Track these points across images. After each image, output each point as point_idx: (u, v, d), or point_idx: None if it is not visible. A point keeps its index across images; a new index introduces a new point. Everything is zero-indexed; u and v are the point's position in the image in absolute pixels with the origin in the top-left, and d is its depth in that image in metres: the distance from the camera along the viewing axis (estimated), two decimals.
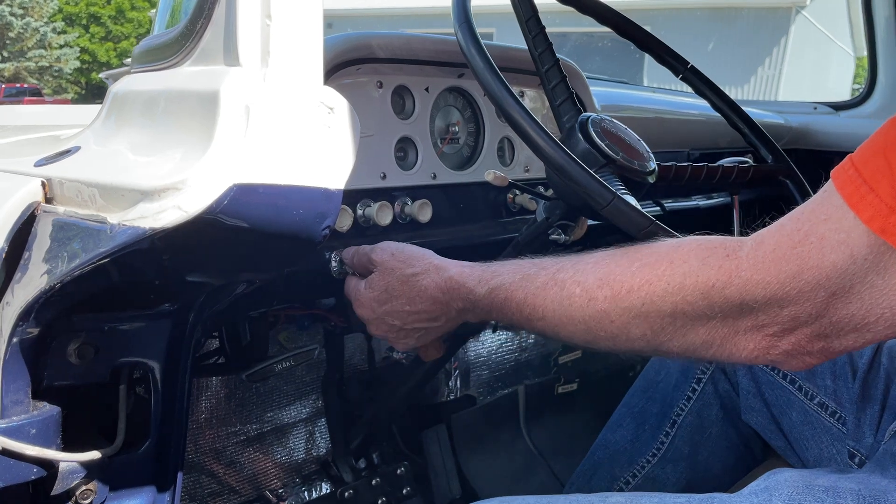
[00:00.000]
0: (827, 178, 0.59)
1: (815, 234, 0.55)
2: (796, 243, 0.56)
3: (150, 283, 0.73)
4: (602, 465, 1.20)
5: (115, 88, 0.78)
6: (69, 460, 0.71)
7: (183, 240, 0.61)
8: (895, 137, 0.52)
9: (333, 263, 0.92)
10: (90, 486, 0.73)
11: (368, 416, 1.36)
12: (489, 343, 1.62)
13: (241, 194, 0.59)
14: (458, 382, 1.57)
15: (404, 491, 1.37)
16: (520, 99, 0.83)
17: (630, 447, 1.17)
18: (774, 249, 0.58)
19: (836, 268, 0.54)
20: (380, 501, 1.34)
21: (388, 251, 0.85)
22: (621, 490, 1.16)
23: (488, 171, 0.95)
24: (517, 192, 1.19)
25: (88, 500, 0.73)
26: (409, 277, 0.82)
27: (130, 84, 0.76)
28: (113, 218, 0.61)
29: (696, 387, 1.12)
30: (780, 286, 0.57)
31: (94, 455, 0.73)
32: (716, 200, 1.66)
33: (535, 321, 0.73)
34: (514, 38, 1.14)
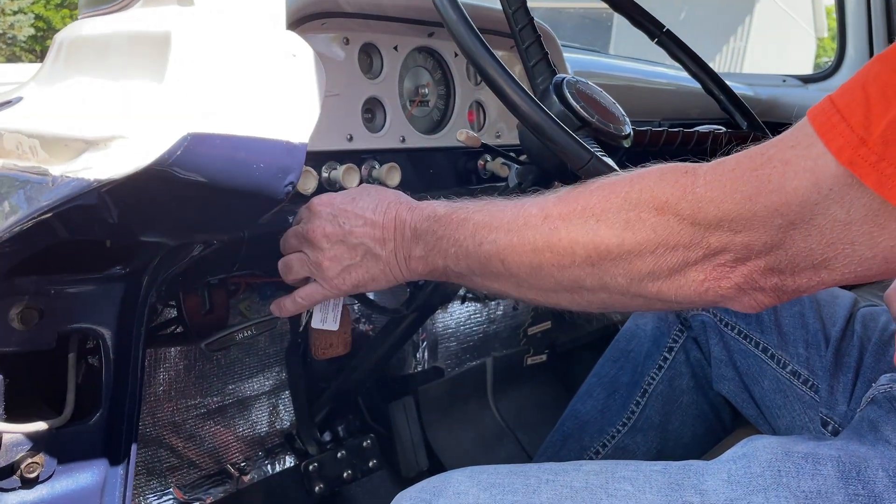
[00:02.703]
0: None
1: (779, 159, 0.53)
2: (758, 165, 0.53)
3: (99, 243, 0.68)
4: (571, 436, 1.18)
5: (60, 36, 0.73)
6: (13, 431, 0.67)
7: (133, 194, 0.56)
8: (878, 72, 0.50)
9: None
10: (36, 458, 0.69)
11: (334, 389, 1.33)
12: (458, 314, 1.60)
13: (196, 145, 0.54)
14: (426, 354, 1.55)
15: (370, 464, 1.35)
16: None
17: (600, 417, 1.15)
18: (734, 169, 0.55)
19: (798, 195, 0.51)
20: (345, 474, 1.31)
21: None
22: (593, 460, 1.15)
23: (461, 130, 0.92)
24: (488, 157, 1.15)
25: (34, 474, 0.69)
26: (386, 191, 0.79)
27: (77, 30, 0.70)
28: (55, 170, 0.56)
29: (667, 356, 1.10)
30: (734, 206, 0.54)
31: (41, 426, 0.69)
32: None
33: (485, 244, 0.68)
34: None
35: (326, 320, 0.92)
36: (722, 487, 0.63)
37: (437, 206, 0.75)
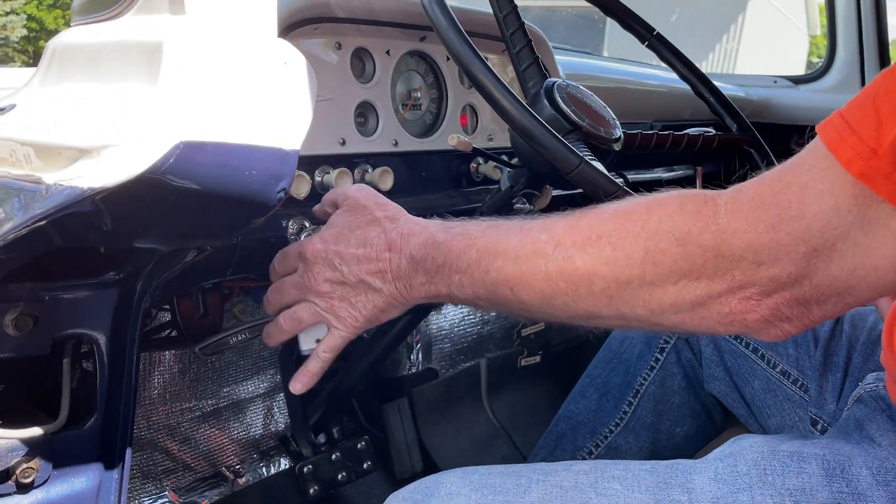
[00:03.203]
0: (789, 152, 0.57)
1: (796, 183, 0.52)
2: (777, 192, 0.53)
3: (93, 250, 0.68)
4: (565, 437, 1.19)
5: (53, 43, 0.73)
6: (8, 437, 0.67)
7: (126, 202, 0.57)
8: (888, 87, 0.50)
9: (291, 230, 0.89)
10: (32, 464, 0.69)
11: (328, 391, 1.33)
12: (451, 316, 1.60)
13: (189, 153, 0.55)
14: (420, 356, 1.55)
15: (365, 465, 1.35)
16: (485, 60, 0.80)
17: (593, 417, 1.16)
18: (754, 197, 0.55)
19: (818, 219, 0.51)
20: (340, 476, 1.31)
21: (366, 190, 0.80)
22: (584, 460, 1.16)
23: (452, 135, 0.92)
24: (481, 160, 1.16)
25: (30, 479, 0.69)
26: (376, 220, 0.76)
27: (69, 37, 0.71)
28: (49, 178, 0.57)
29: (658, 356, 1.11)
30: (757, 236, 0.53)
31: (36, 432, 0.69)
32: (678, 172, 1.66)
33: (491, 272, 0.66)
34: None
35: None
36: (709, 486, 0.64)
37: (435, 231, 0.72)
